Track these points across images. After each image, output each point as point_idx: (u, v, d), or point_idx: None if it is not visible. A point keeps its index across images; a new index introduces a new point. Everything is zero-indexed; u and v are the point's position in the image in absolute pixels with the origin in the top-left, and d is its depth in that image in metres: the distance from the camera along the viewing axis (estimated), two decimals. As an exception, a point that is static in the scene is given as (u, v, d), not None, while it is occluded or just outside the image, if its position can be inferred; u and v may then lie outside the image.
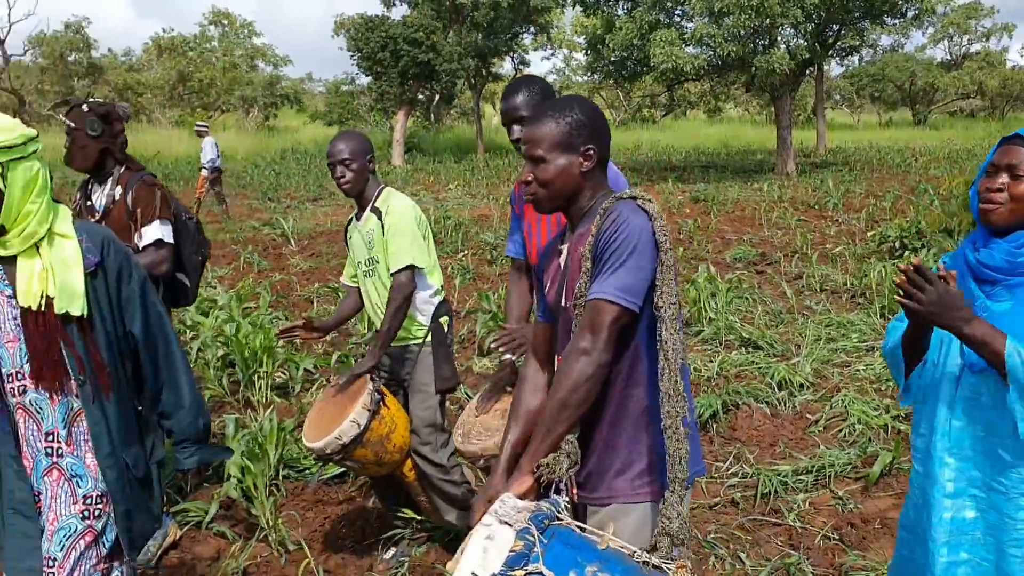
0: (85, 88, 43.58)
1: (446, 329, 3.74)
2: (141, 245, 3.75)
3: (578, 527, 1.98)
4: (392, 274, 3.55)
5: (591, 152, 2.17)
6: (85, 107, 3.81)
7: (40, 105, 38.70)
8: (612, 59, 24.21)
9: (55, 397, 2.34)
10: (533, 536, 1.87)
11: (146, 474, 2.53)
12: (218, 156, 15.88)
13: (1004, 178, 2.09)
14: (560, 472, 2.09)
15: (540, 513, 1.95)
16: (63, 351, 2.31)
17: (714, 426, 5.31)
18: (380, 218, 3.60)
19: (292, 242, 12.75)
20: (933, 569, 2.16)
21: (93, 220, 3.82)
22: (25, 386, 2.33)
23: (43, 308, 2.27)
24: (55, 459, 2.38)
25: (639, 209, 2.09)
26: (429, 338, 3.68)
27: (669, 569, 1.90)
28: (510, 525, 1.93)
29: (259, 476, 4.17)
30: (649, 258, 2.05)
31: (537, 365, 2.37)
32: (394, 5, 31.30)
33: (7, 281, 2.30)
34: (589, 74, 30.76)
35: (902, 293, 1.98)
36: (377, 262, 3.64)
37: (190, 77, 43.02)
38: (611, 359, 2.07)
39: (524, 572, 1.79)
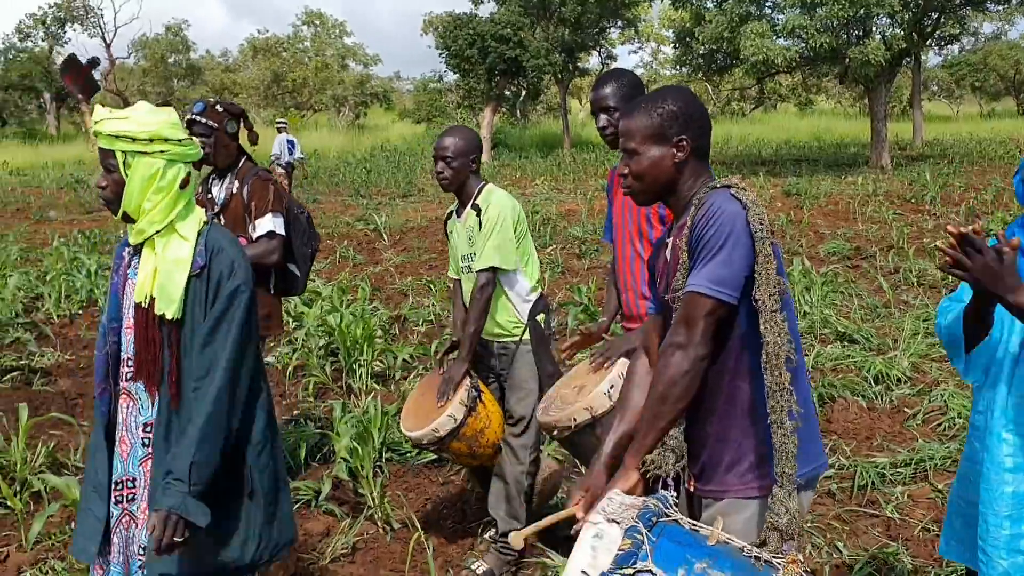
0: (184, 88, 45.19)
1: (543, 325, 3.73)
2: (255, 236, 3.95)
3: (688, 523, 1.96)
4: (476, 272, 3.59)
5: (683, 142, 2.14)
6: (220, 107, 3.99)
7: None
8: (701, 52, 23.99)
9: (151, 390, 2.40)
10: (641, 534, 1.85)
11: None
12: (290, 152, 16.43)
13: None
14: (667, 468, 2.09)
15: (648, 510, 1.93)
16: (160, 349, 2.37)
17: (809, 418, 5.29)
18: (479, 215, 3.62)
19: (385, 237, 13.06)
20: (997, 542, 2.18)
21: (213, 211, 4.05)
22: (132, 373, 2.43)
23: (146, 306, 2.36)
24: (150, 449, 2.40)
25: (733, 198, 2.04)
26: (527, 335, 3.69)
27: (780, 564, 1.87)
28: (618, 523, 1.91)
29: (365, 458, 4.35)
30: (744, 248, 1.99)
31: (645, 361, 2.34)
32: (482, 2, 31.60)
33: (138, 269, 2.41)
34: (677, 68, 30.49)
35: (949, 260, 1.92)
36: (475, 258, 3.65)
37: (284, 77, 44.18)
38: (708, 352, 2.03)
39: (633, 571, 1.79)
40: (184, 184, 2.38)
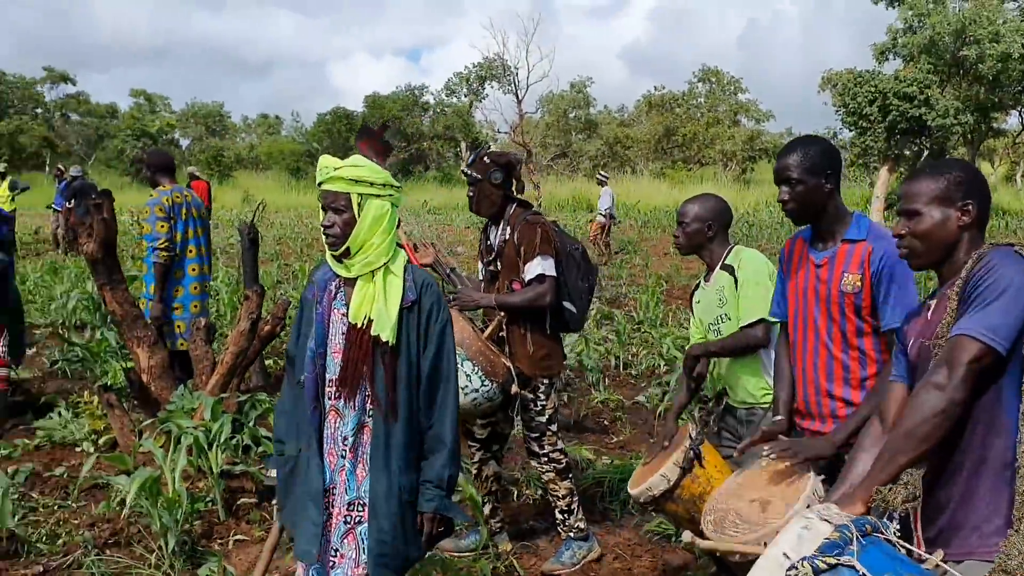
0: (580, 141, 48.02)
1: None
2: (526, 279, 4.05)
3: (903, 546, 1.89)
4: (742, 328, 3.39)
5: (969, 207, 2.17)
6: (487, 159, 4.16)
7: (541, 156, 43.41)
8: None
9: (352, 406, 2.65)
10: (852, 533, 1.81)
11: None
12: (613, 206, 17.17)
13: None
14: (895, 503, 2.04)
15: (864, 520, 1.88)
16: (369, 369, 2.62)
17: None
18: (732, 273, 3.48)
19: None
20: None
21: (488, 258, 4.26)
22: (337, 392, 2.67)
23: (363, 327, 2.61)
24: (344, 460, 2.69)
25: (1017, 254, 2.06)
26: None
27: None
28: (829, 522, 1.88)
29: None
30: (1021, 301, 1.98)
31: (879, 428, 2.29)
32: (886, 60, 30.08)
33: (344, 301, 2.67)
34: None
35: None
36: (728, 319, 3.49)
37: (675, 132, 45.30)
38: (965, 398, 2.00)
39: (836, 561, 1.75)
40: (398, 226, 2.71)
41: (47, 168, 40.22)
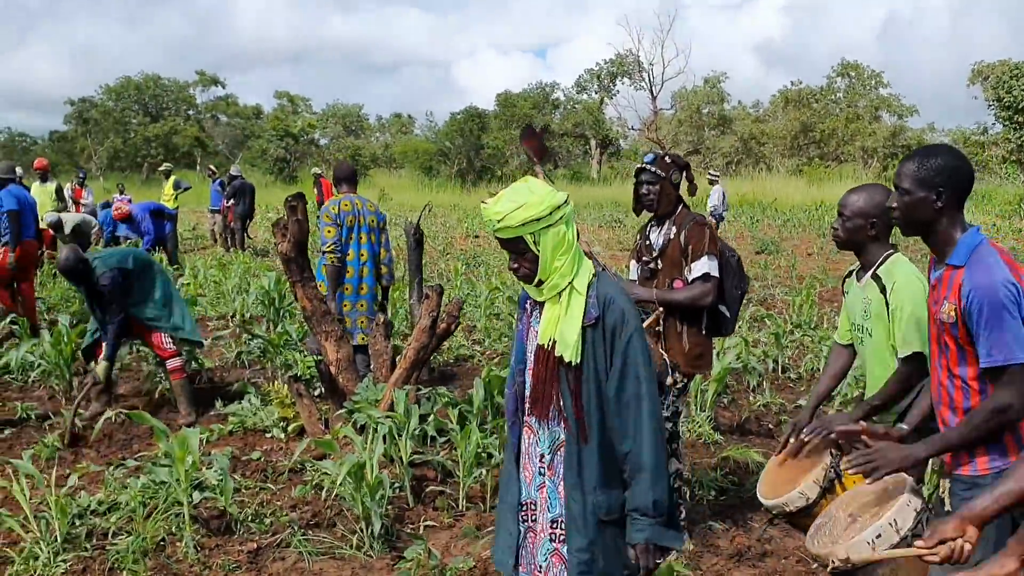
0: (714, 138, 47.27)
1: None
2: (690, 278, 4.12)
3: None
4: (898, 359, 3.26)
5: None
6: (668, 159, 4.22)
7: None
8: None
9: (545, 425, 2.68)
10: None
11: (621, 520, 2.62)
12: (723, 204, 17.18)
13: None
14: None
15: None
16: (558, 389, 2.62)
17: None
18: (883, 292, 3.30)
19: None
20: None
21: (648, 257, 4.30)
22: (530, 409, 2.72)
23: (549, 348, 2.62)
24: (543, 478, 2.71)
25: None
26: None
27: None
28: None
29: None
30: None
31: None
32: (1047, 49, 28.45)
33: (539, 318, 2.70)
34: None
35: None
36: (871, 336, 3.39)
37: (812, 128, 44.04)
38: None
39: None
40: (578, 237, 2.66)
41: (198, 167, 42.48)
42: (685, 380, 4.29)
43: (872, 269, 3.37)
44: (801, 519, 3.15)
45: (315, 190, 20.68)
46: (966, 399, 2.67)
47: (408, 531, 4.59)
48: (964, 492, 2.57)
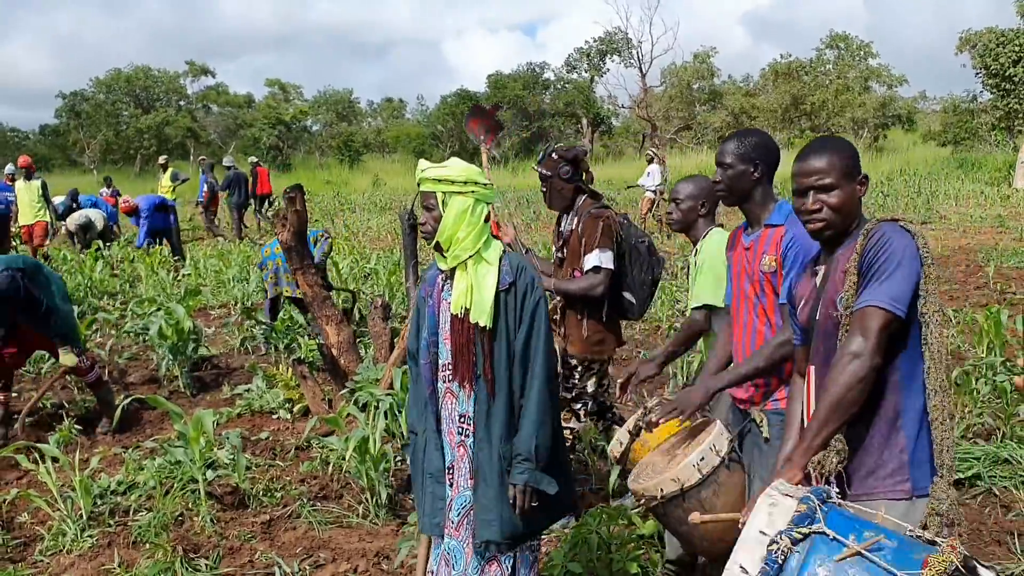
0: (705, 113, 47.40)
1: None
2: (584, 269, 4.28)
3: (852, 506, 2.12)
4: (693, 309, 3.74)
5: (865, 180, 2.43)
6: (555, 155, 4.35)
7: (664, 130, 43.08)
8: None
9: (467, 387, 2.86)
10: (814, 503, 2.03)
11: None
12: (659, 181, 17.57)
13: None
14: (829, 467, 2.26)
15: (819, 489, 2.12)
16: (473, 351, 2.83)
17: None
18: (695, 255, 3.78)
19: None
20: None
21: (557, 246, 4.53)
22: (451, 375, 2.90)
23: (463, 316, 2.82)
24: (463, 438, 2.90)
25: (902, 229, 2.31)
26: None
27: (942, 543, 1.94)
28: (792, 496, 2.09)
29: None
30: (912, 270, 2.25)
31: (803, 383, 2.54)
32: (1032, 15, 28.62)
33: (450, 290, 2.90)
34: None
35: None
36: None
37: (803, 100, 44.16)
38: (880, 362, 2.24)
39: (809, 530, 1.97)
40: (486, 219, 2.89)
41: (191, 158, 42.58)
42: (590, 363, 4.45)
43: (696, 244, 3.80)
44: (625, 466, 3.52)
45: (250, 179, 19.45)
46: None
47: (411, 500, 4.88)
48: (779, 422, 2.94)
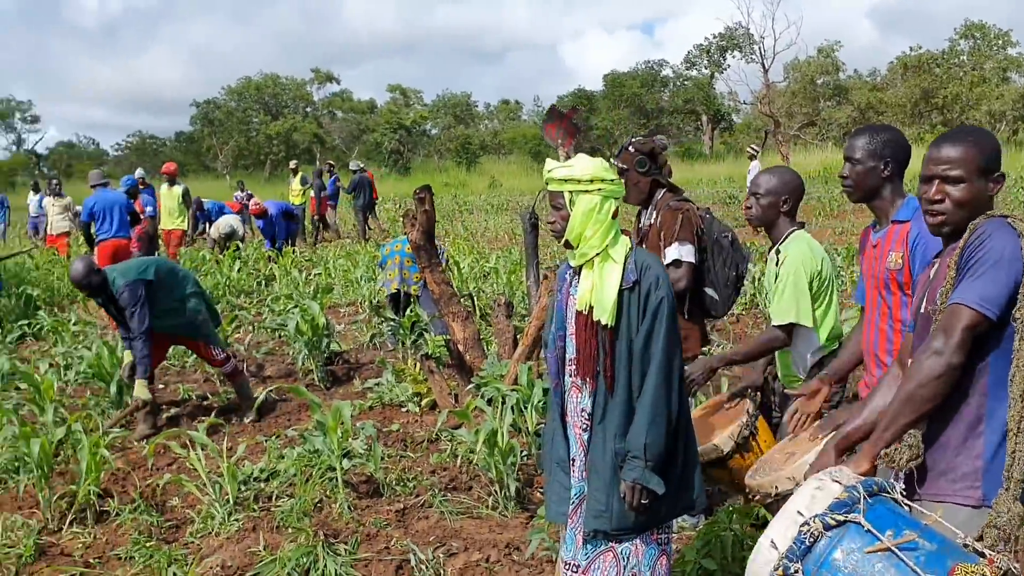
0: (830, 108, 46.02)
1: None
2: (664, 263, 4.12)
3: (907, 504, 2.07)
4: (774, 325, 3.64)
5: (1000, 178, 2.31)
6: (632, 148, 4.27)
7: (787, 126, 42.03)
8: None
9: (588, 383, 2.91)
10: (859, 492, 1.99)
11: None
12: None
13: None
14: (900, 462, 2.20)
15: (871, 481, 2.05)
16: (596, 348, 2.87)
17: None
18: (777, 264, 3.65)
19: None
20: None
21: (637, 241, 4.36)
22: (575, 369, 2.95)
23: (586, 313, 2.87)
24: (582, 432, 2.97)
25: (1008, 227, 2.20)
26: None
27: (989, 554, 1.91)
28: (840, 483, 2.05)
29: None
30: (1011, 271, 2.13)
31: (899, 372, 2.46)
32: None
33: (577, 286, 2.95)
34: None
35: None
36: (771, 303, 3.72)
37: (934, 94, 42.38)
38: (962, 362, 2.14)
39: (844, 518, 1.95)
40: (614, 215, 2.90)
41: (316, 163, 44.04)
42: None
43: (777, 244, 3.68)
44: (714, 470, 3.49)
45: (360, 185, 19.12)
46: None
47: (539, 493, 4.97)
48: None
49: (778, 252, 3.66)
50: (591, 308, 2.86)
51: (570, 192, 2.85)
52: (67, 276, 12.48)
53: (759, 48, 38.40)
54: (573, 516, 2.99)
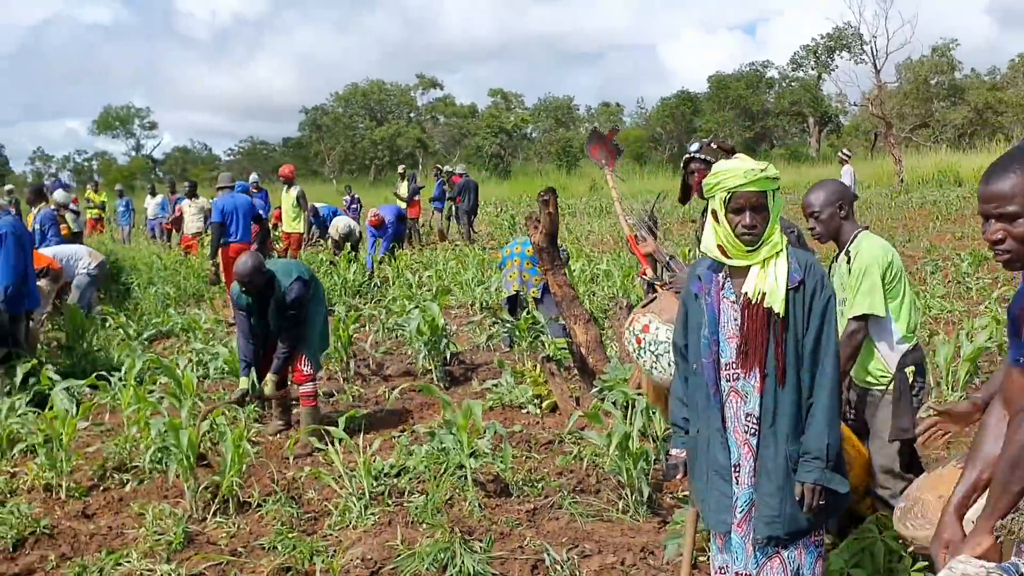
0: (944, 109, 44.36)
1: (911, 379, 3.67)
2: None
3: None
4: (850, 318, 3.63)
5: None
6: (714, 145, 4.30)
7: (899, 128, 40.66)
8: None
9: (755, 385, 2.84)
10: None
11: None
12: (852, 186, 16.44)
13: None
14: (1021, 533, 1.99)
15: (1007, 566, 1.91)
16: (764, 341, 2.81)
17: None
18: (849, 263, 3.68)
19: None
20: None
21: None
22: (739, 374, 2.88)
23: (758, 302, 2.81)
24: (748, 436, 2.89)
25: None
26: (891, 386, 3.66)
27: None
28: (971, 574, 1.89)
29: None
30: None
31: (1001, 413, 2.25)
32: None
33: (733, 289, 2.90)
34: None
35: None
36: (843, 305, 3.68)
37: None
38: None
39: None
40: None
41: (420, 167, 44.76)
42: None
43: (845, 246, 3.75)
44: None
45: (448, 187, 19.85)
46: None
47: (669, 498, 4.94)
48: None
49: (848, 253, 3.74)
50: (763, 296, 2.82)
51: (772, 192, 2.86)
52: (193, 276, 13.18)
53: (871, 47, 37.21)
54: (743, 525, 2.95)
